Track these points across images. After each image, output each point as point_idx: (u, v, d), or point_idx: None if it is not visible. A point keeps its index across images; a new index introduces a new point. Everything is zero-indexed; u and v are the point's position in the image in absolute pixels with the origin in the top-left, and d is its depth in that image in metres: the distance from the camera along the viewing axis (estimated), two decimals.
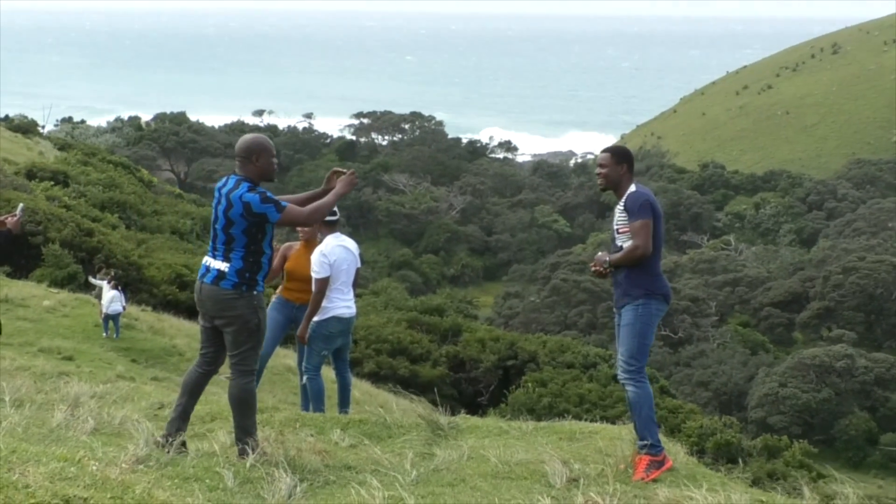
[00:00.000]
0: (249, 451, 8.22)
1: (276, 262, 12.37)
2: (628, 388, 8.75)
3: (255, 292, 8.37)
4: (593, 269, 8.95)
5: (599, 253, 9.01)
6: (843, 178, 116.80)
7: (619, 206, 8.82)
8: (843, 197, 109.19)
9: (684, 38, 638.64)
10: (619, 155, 8.98)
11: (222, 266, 8.31)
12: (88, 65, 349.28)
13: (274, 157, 8.56)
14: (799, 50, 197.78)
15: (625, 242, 8.76)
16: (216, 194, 8.43)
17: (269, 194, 8.25)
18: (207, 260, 8.48)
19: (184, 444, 8.47)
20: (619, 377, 8.89)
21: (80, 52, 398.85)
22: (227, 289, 8.29)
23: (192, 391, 8.69)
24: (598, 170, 9.07)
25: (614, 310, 9.09)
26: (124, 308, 23.08)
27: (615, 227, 8.87)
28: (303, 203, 9.00)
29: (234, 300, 8.29)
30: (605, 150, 9.07)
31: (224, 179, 8.50)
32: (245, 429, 8.42)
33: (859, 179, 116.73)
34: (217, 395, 11.99)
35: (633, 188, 8.80)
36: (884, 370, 57.28)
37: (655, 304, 8.77)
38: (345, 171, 8.95)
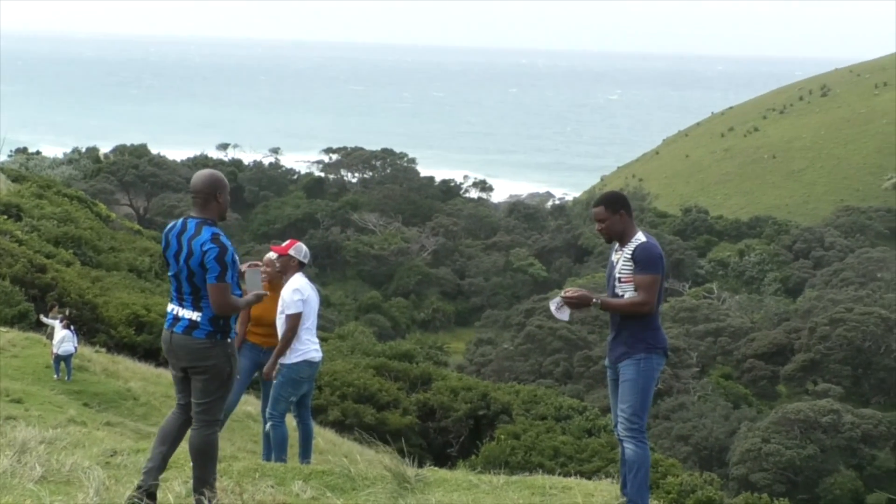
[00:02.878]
0: (206, 503, 8.15)
1: None
2: (628, 445, 8.72)
3: (228, 339, 8.33)
4: (569, 296, 8.80)
5: (584, 290, 8.91)
6: (832, 226, 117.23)
7: (626, 254, 8.74)
8: (830, 245, 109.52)
9: (669, 77, 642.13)
10: (613, 203, 8.91)
11: (193, 316, 8.22)
12: (40, 94, 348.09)
13: (228, 193, 8.49)
14: (786, 91, 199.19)
15: (626, 292, 8.72)
16: (172, 241, 8.28)
17: (227, 257, 8.11)
18: (175, 308, 8.36)
19: (153, 495, 8.36)
20: (619, 434, 8.84)
21: (29, 81, 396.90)
22: (201, 338, 8.22)
23: (174, 439, 8.61)
24: (597, 225, 8.99)
25: (607, 364, 9.06)
26: (76, 349, 22.93)
27: (617, 274, 8.81)
28: None
29: (209, 349, 8.24)
30: (596, 203, 9.00)
31: (179, 224, 8.33)
32: (204, 479, 8.34)
33: (848, 227, 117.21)
34: None
35: (641, 238, 8.75)
36: (871, 427, 57.36)
37: (656, 359, 8.78)
38: (259, 264, 8.81)
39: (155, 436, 8.76)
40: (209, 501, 8.15)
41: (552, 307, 8.89)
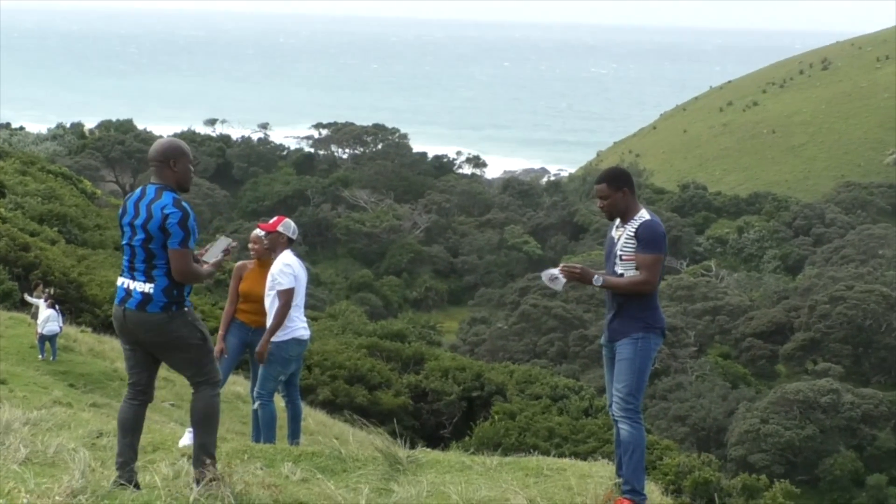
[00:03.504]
0: (207, 475, 8.08)
1: (231, 283, 12.40)
2: (623, 426, 8.67)
3: (185, 308, 8.16)
4: (571, 267, 8.72)
5: (584, 266, 8.84)
6: (832, 202, 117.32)
7: (628, 232, 8.67)
8: (831, 222, 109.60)
9: (665, 50, 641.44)
10: (616, 180, 8.81)
11: (146, 288, 8.04)
12: (24, 68, 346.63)
13: (191, 163, 8.38)
14: (787, 65, 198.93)
15: (627, 270, 8.65)
16: (129, 208, 8.19)
17: (190, 222, 8.01)
18: (125, 282, 8.18)
19: (136, 483, 8.28)
20: (614, 414, 8.80)
21: (12, 55, 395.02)
22: (157, 312, 8.04)
23: (134, 428, 8.41)
24: (599, 203, 8.92)
25: (603, 342, 9.02)
26: (61, 328, 22.93)
27: (618, 252, 8.73)
28: None
29: (167, 323, 8.07)
30: (599, 181, 8.90)
31: (139, 191, 8.26)
32: (206, 448, 8.24)
33: (849, 203, 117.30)
34: (160, 423, 11.92)
35: (645, 215, 8.68)
36: (871, 407, 57.50)
37: (654, 339, 8.72)
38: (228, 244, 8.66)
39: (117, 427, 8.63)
40: (212, 474, 8.08)
41: (544, 279, 8.84)
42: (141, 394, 8.45)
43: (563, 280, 8.74)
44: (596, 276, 8.62)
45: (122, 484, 8.15)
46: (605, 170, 9.20)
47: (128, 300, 8.14)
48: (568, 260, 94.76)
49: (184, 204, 8.07)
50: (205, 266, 8.28)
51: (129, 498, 7.95)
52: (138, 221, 8.06)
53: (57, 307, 22.78)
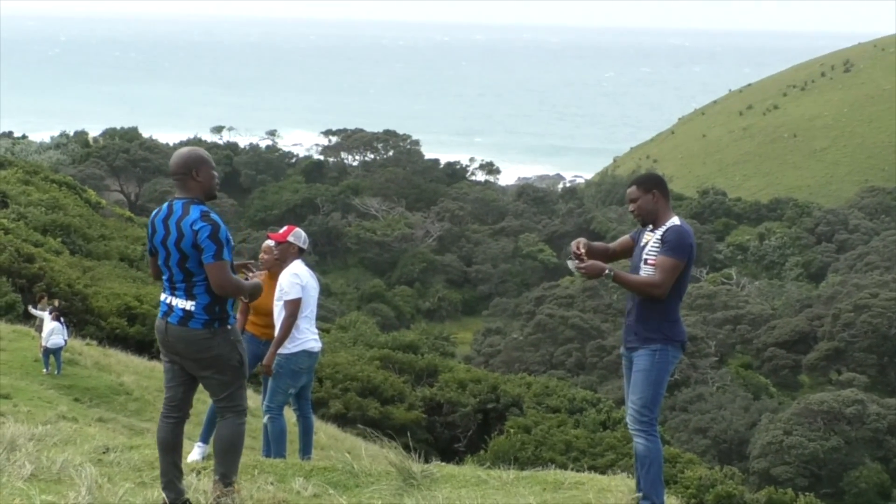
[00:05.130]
0: (216, 491, 8.04)
1: None
2: (638, 440, 8.70)
3: (228, 326, 8.16)
4: (581, 268, 8.71)
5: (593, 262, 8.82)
6: (856, 208, 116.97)
7: (657, 236, 8.74)
8: (854, 228, 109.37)
9: (683, 53, 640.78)
10: (646, 183, 8.93)
11: (187, 305, 8.05)
12: (26, 75, 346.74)
13: (214, 169, 8.27)
14: (808, 67, 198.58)
15: (649, 274, 8.67)
16: (159, 227, 8.14)
17: (222, 233, 7.96)
18: (167, 298, 8.19)
19: (185, 499, 8.26)
20: (629, 427, 8.83)
21: (14, 62, 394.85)
22: (198, 329, 8.04)
23: (174, 446, 8.39)
24: (630, 206, 8.99)
25: (622, 352, 9.03)
26: (66, 341, 22.92)
27: (645, 256, 8.79)
28: None
29: (208, 340, 8.06)
30: (631, 183, 9.03)
31: (164, 208, 8.20)
32: (227, 477, 8.22)
33: (873, 209, 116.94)
34: None
35: (676, 221, 8.76)
36: None
37: (672, 351, 8.73)
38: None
39: (155, 441, 8.56)
40: (223, 490, 8.06)
41: (571, 266, 8.85)
42: (176, 409, 8.42)
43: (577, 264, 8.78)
44: (608, 270, 8.64)
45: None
46: (639, 175, 9.28)
47: (170, 315, 8.14)
48: None
49: (212, 216, 8.01)
50: (251, 277, 8.29)
51: None
52: (170, 241, 8.04)
53: (62, 320, 22.76)
